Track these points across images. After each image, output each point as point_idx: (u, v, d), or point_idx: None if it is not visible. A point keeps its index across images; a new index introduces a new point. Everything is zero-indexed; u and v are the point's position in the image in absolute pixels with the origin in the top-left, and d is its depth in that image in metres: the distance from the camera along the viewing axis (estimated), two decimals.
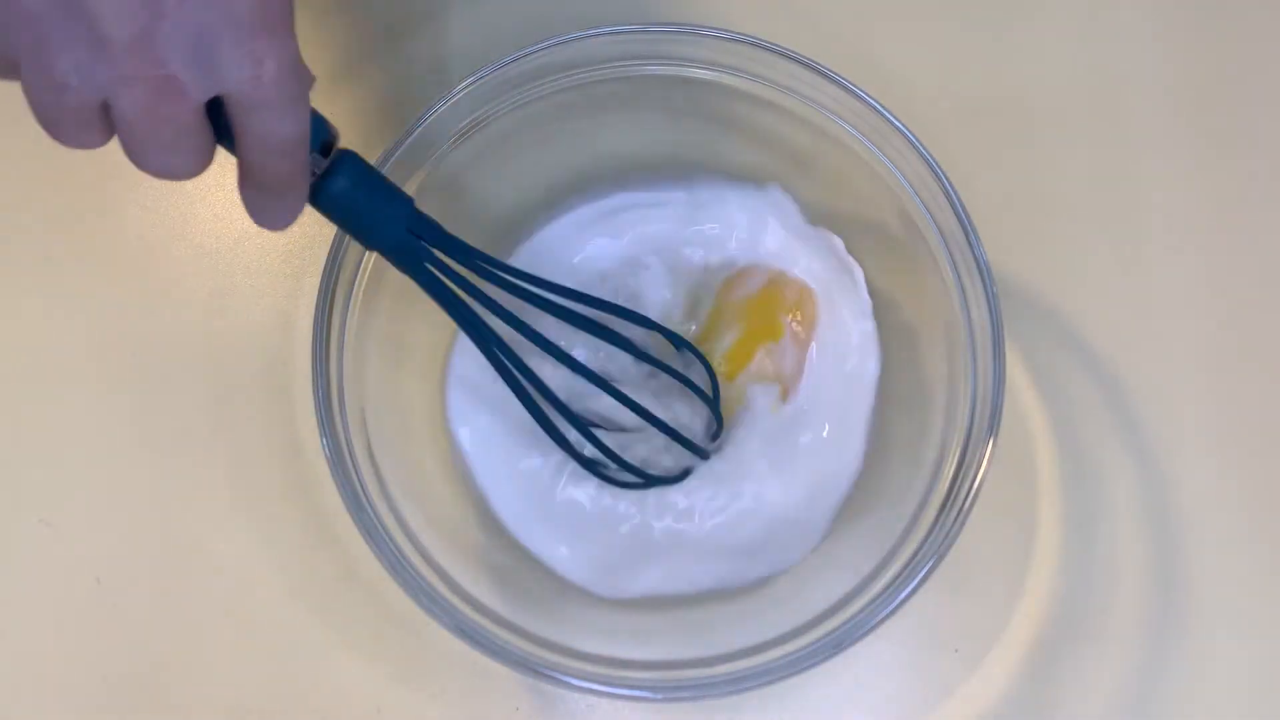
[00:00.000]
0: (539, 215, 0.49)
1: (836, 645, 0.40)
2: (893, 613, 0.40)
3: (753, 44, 0.44)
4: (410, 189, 0.45)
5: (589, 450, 0.44)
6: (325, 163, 0.36)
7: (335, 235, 0.43)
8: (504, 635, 0.42)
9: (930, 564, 0.40)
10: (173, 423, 0.50)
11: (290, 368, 0.50)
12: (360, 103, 0.52)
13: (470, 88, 0.44)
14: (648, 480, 0.45)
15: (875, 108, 0.43)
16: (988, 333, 0.42)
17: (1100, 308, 0.51)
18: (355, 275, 0.45)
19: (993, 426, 0.41)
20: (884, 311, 0.48)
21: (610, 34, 0.44)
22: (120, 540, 0.49)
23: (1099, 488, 0.49)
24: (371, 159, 0.43)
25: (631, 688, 0.41)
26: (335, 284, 0.43)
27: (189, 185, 0.53)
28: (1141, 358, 0.50)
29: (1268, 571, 0.49)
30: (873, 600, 0.41)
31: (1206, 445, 0.50)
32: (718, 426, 0.46)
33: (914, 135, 0.43)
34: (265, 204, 0.35)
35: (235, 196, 0.53)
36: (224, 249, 0.52)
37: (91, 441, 0.50)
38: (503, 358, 0.40)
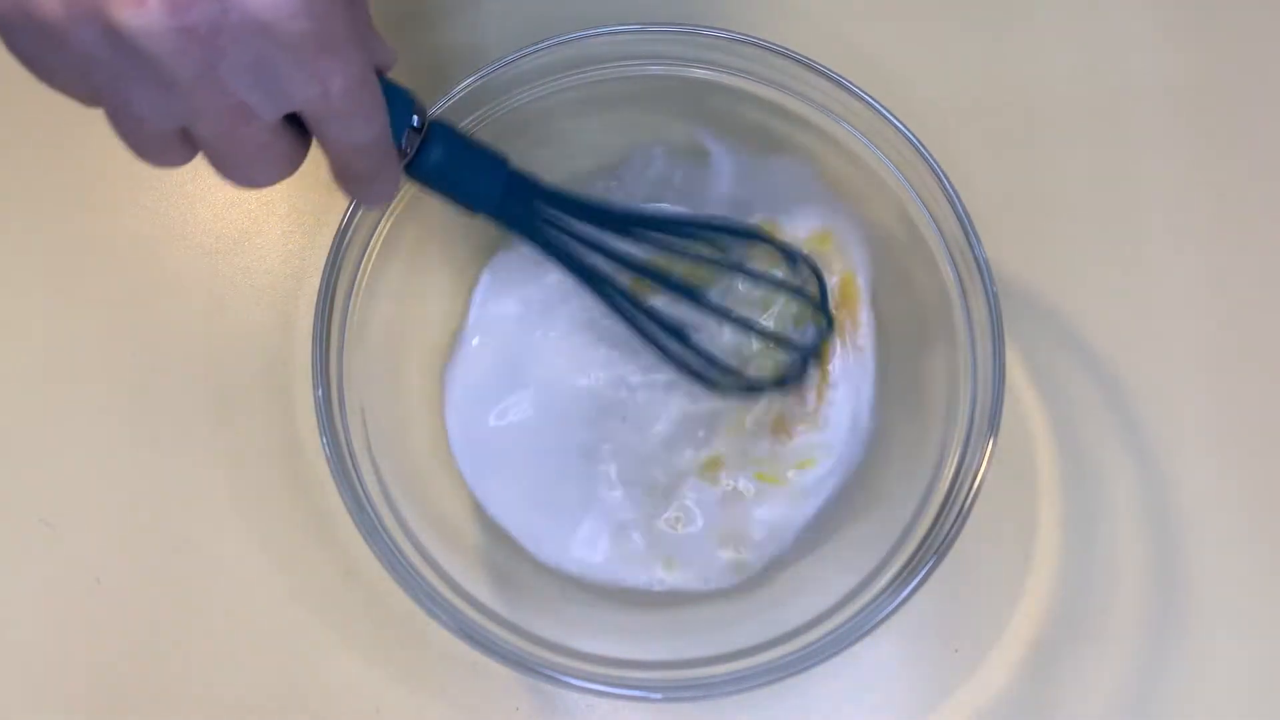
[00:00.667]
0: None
1: (836, 645, 0.40)
2: (893, 612, 0.40)
3: (753, 44, 0.44)
4: (409, 187, 0.45)
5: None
6: (418, 138, 0.36)
7: (335, 236, 0.43)
8: (504, 635, 0.42)
9: (930, 564, 0.40)
10: (173, 423, 0.50)
11: (290, 367, 0.50)
12: None
13: (470, 87, 0.44)
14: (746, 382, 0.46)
15: (876, 108, 0.43)
16: (988, 332, 0.42)
17: (1100, 307, 0.51)
18: (355, 275, 0.45)
19: (993, 426, 0.41)
20: (884, 311, 0.48)
21: (610, 34, 0.44)
22: (120, 540, 0.49)
23: (1099, 488, 0.49)
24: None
25: (631, 688, 0.41)
26: (335, 284, 0.43)
27: (189, 186, 0.53)
28: (1141, 357, 0.50)
29: (1267, 571, 0.49)
30: (873, 600, 0.41)
31: (1206, 445, 0.50)
32: (816, 342, 0.47)
33: (914, 135, 0.43)
34: (360, 190, 0.36)
35: (235, 196, 0.53)
36: (224, 249, 0.52)
37: (92, 441, 0.50)
38: (616, 298, 0.42)
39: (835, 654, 0.40)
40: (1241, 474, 0.49)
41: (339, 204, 0.44)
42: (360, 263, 0.45)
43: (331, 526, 0.48)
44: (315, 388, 0.42)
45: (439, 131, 0.37)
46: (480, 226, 0.50)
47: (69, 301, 0.52)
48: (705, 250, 0.45)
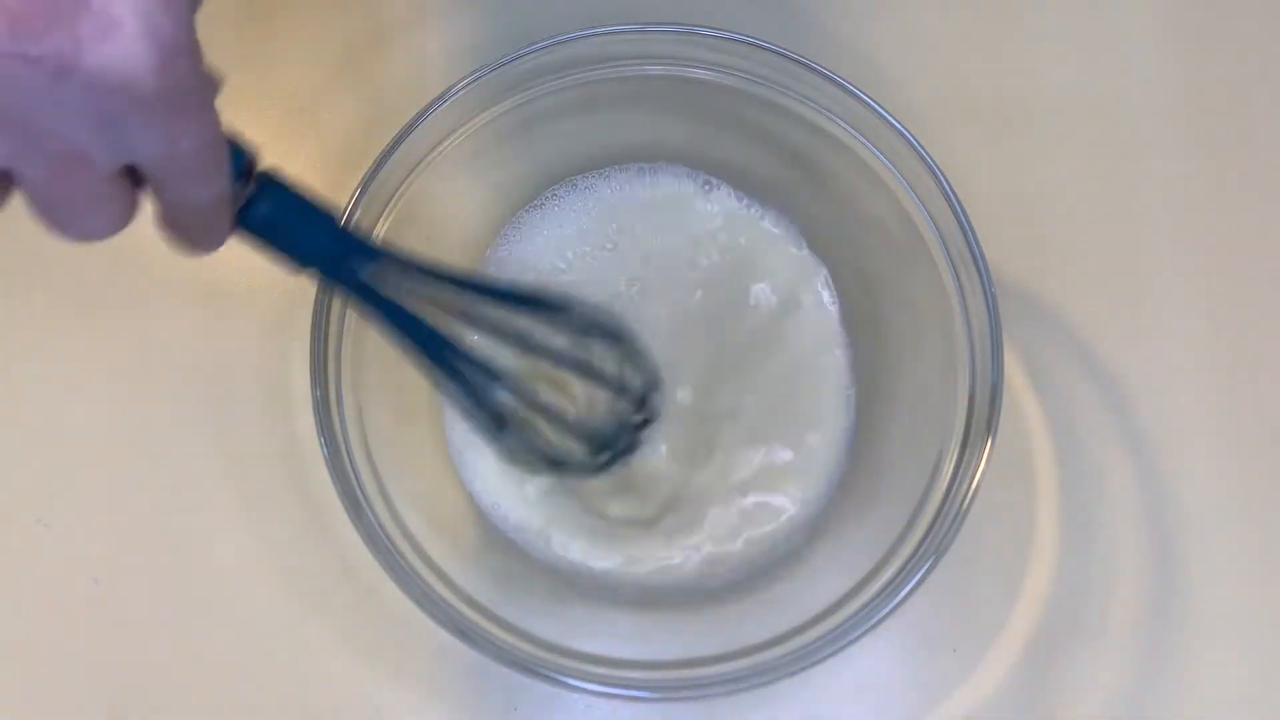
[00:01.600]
0: (531, 215, 0.49)
1: (835, 645, 0.40)
2: (891, 612, 0.40)
3: (752, 44, 0.44)
4: (407, 188, 0.45)
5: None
6: (246, 190, 0.35)
7: None
8: (502, 635, 0.42)
9: (929, 564, 0.40)
10: (170, 423, 0.50)
11: (288, 367, 0.50)
12: (358, 102, 0.52)
13: (469, 87, 0.44)
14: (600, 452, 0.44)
15: (874, 108, 0.43)
16: (986, 333, 0.42)
17: (1099, 307, 0.51)
18: None
19: (991, 426, 0.41)
20: (882, 311, 0.48)
21: (610, 34, 0.44)
22: (117, 541, 0.49)
23: (1097, 487, 0.49)
24: (368, 159, 0.43)
25: (630, 688, 0.41)
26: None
27: None
28: (1140, 357, 0.50)
29: (1265, 571, 0.49)
30: (871, 600, 0.41)
31: (1205, 445, 0.50)
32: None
33: (913, 136, 0.43)
34: (187, 243, 0.34)
35: None
36: (222, 249, 0.52)
37: (88, 442, 0.50)
38: (443, 362, 0.40)
39: (834, 654, 0.40)
40: (1240, 474, 0.49)
41: (338, 204, 0.44)
42: None
43: (330, 527, 0.48)
44: (314, 388, 0.42)
45: (269, 184, 0.36)
46: (476, 227, 0.50)
47: (66, 301, 0.52)
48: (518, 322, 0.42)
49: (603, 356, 0.43)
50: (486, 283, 0.41)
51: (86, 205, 0.30)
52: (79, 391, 0.51)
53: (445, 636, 0.41)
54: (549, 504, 0.48)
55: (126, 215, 0.31)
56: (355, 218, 0.43)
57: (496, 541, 0.47)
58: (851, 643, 0.40)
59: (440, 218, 0.48)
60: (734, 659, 0.42)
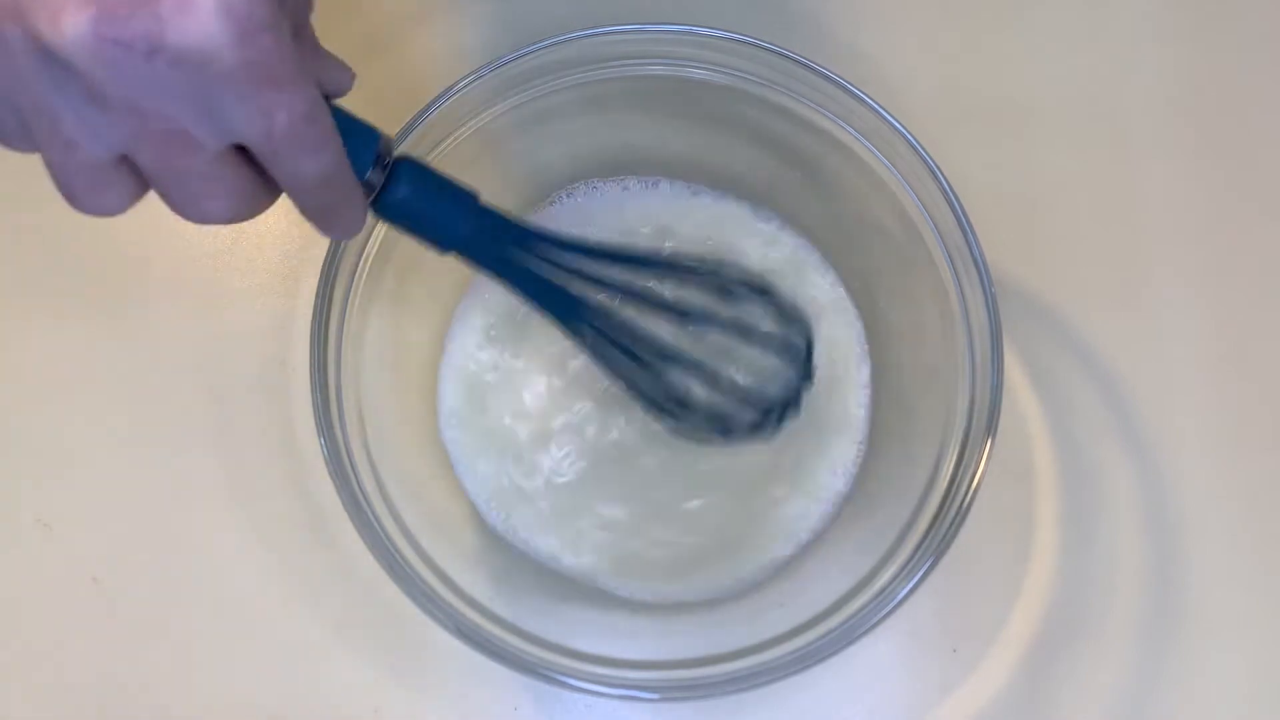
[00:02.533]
0: (533, 217, 0.49)
1: (835, 645, 0.40)
2: (891, 612, 0.40)
3: (752, 44, 0.44)
4: None
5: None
6: (383, 174, 0.35)
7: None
8: (502, 635, 0.42)
9: (928, 564, 0.40)
10: (170, 423, 0.50)
11: (288, 368, 0.50)
12: (358, 102, 0.52)
13: (468, 87, 0.44)
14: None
15: (874, 108, 0.43)
16: (986, 333, 0.42)
17: (1098, 307, 0.51)
18: (353, 275, 0.45)
19: (990, 426, 0.41)
20: (882, 311, 0.48)
21: (610, 34, 0.44)
22: (117, 540, 0.49)
23: (1097, 487, 0.49)
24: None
25: (630, 688, 0.41)
26: (333, 284, 0.43)
27: None
28: (1139, 357, 0.50)
29: (1266, 571, 0.49)
30: (871, 600, 0.41)
31: (1205, 445, 0.50)
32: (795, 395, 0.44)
33: (912, 136, 0.43)
34: (323, 224, 0.35)
35: None
36: (221, 249, 0.52)
37: (88, 441, 0.50)
38: (588, 333, 0.40)
39: (834, 654, 0.40)
40: (1240, 473, 0.49)
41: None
42: (358, 263, 0.45)
43: (329, 527, 0.48)
44: (313, 388, 0.42)
45: (406, 167, 0.36)
46: None
47: (65, 301, 0.52)
48: (690, 294, 0.43)
49: (758, 315, 0.43)
50: (637, 253, 0.40)
51: (201, 186, 0.30)
52: (79, 391, 0.51)
53: (444, 636, 0.41)
54: (550, 506, 0.48)
55: (246, 197, 0.32)
56: None
57: (496, 541, 0.47)
58: (851, 643, 0.40)
59: None
60: (734, 659, 0.42)
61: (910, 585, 0.40)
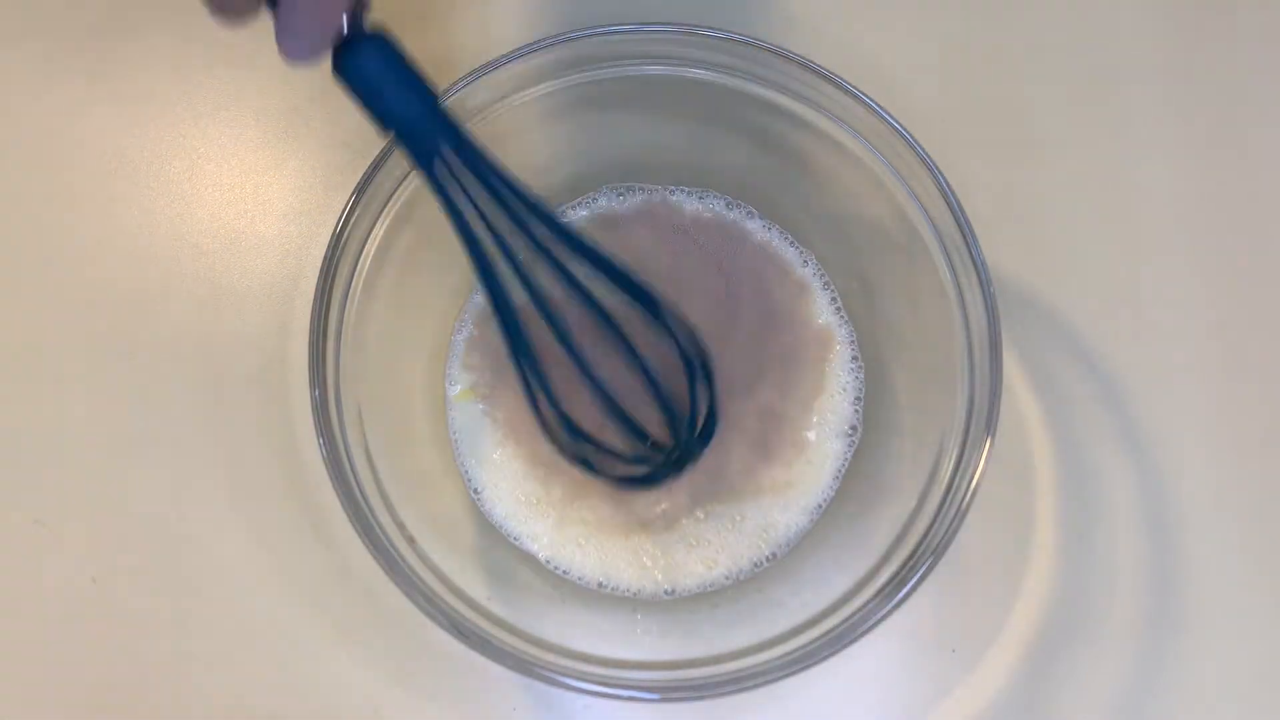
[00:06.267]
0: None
1: (834, 645, 0.40)
2: (890, 612, 0.40)
3: (752, 44, 0.44)
4: (405, 188, 0.45)
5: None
6: (352, 29, 0.36)
7: (331, 236, 0.43)
8: (501, 636, 0.42)
9: (928, 564, 0.40)
10: (169, 423, 0.50)
11: (287, 368, 0.50)
12: (349, 110, 0.52)
13: (467, 87, 0.44)
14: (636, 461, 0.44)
15: (873, 108, 0.43)
16: (985, 333, 0.42)
17: (1098, 308, 0.51)
18: (352, 276, 0.45)
19: (990, 426, 0.41)
20: (881, 311, 0.48)
21: (610, 34, 0.44)
22: (115, 540, 0.49)
23: (1096, 488, 0.49)
24: (367, 157, 0.43)
25: (629, 688, 0.41)
26: (332, 284, 0.43)
27: (186, 186, 0.53)
28: (1139, 357, 0.50)
29: (1265, 571, 0.49)
30: (870, 600, 0.41)
31: (1204, 445, 0.50)
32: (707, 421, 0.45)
33: (911, 136, 0.43)
34: (288, 33, 0.35)
35: (232, 196, 0.53)
36: (221, 250, 0.52)
37: (87, 441, 0.50)
38: (492, 286, 0.40)
39: (833, 654, 0.40)
40: (1239, 473, 0.49)
41: (335, 205, 0.44)
42: (357, 263, 0.45)
43: (328, 527, 0.48)
44: (312, 388, 0.42)
45: (377, 37, 0.37)
46: None
47: (65, 301, 0.52)
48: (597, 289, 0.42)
49: (653, 339, 0.43)
50: (554, 218, 0.40)
51: None
52: (78, 391, 0.51)
53: (443, 636, 0.41)
54: (552, 509, 0.48)
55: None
56: (355, 217, 0.43)
57: (495, 542, 0.47)
58: (851, 642, 0.40)
59: (439, 217, 0.48)
60: (734, 659, 0.42)
61: (910, 585, 0.40)
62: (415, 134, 0.38)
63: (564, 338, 0.41)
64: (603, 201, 0.51)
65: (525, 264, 0.40)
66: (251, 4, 0.33)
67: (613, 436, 0.44)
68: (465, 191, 0.39)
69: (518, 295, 0.41)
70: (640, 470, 0.45)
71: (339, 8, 0.35)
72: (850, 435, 0.49)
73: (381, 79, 0.37)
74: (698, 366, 0.44)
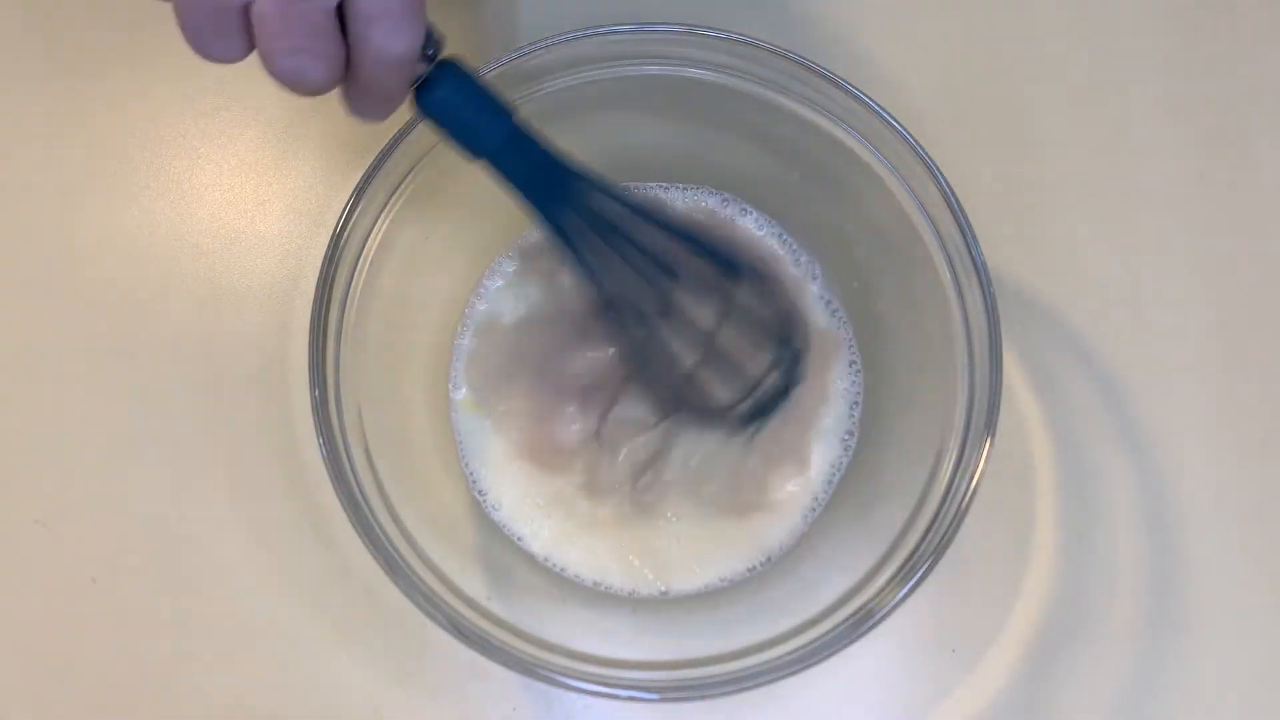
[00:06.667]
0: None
1: (834, 645, 0.40)
2: (890, 612, 0.40)
3: (752, 44, 0.44)
4: (407, 187, 0.45)
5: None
6: (427, 69, 0.36)
7: (332, 236, 0.43)
8: (501, 635, 0.42)
9: (928, 564, 0.40)
10: (169, 423, 0.50)
11: (287, 367, 0.50)
12: None
13: None
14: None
15: (873, 108, 0.43)
16: (985, 333, 0.42)
17: (1098, 308, 0.51)
18: (352, 275, 0.45)
19: (990, 426, 0.41)
20: (881, 312, 0.48)
21: (609, 34, 0.44)
22: (116, 541, 0.49)
23: (1096, 488, 0.49)
24: (369, 157, 0.43)
25: (629, 688, 0.41)
26: (332, 284, 0.43)
27: (186, 186, 0.53)
28: (1139, 358, 0.50)
29: (1265, 571, 0.49)
30: (870, 600, 0.41)
31: (1204, 445, 0.50)
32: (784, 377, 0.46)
33: (911, 136, 0.43)
34: (365, 106, 0.36)
35: (232, 196, 0.53)
36: (221, 249, 0.52)
37: (87, 441, 0.50)
38: (593, 279, 0.41)
39: (832, 654, 0.40)
40: (1239, 474, 0.49)
41: (336, 204, 0.44)
42: (357, 263, 0.45)
43: (328, 526, 0.48)
44: (312, 388, 0.42)
45: (450, 67, 0.37)
46: (479, 228, 0.50)
47: (65, 301, 0.52)
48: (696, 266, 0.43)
49: (755, 308, 0.44)
50: (665, 216, 0.41)
51: (309, 40, 0.32)
52: (78, 391, 0.51)
53: (443, 636, 0.41)
54: (554, 511, 0.48)
55: (335, 65, 0.33)
56: (354, 217, 0.43)
57: (496, 541, 0.47)
58: (851, 642, 0.40)
59: (438, 218, 0.48)
60: (734, 659, 0.42)
61: (909, 585, 0.40)
62: (503, 158, 0.39)
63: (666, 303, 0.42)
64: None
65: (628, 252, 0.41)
66: (235, 45, 0.33)
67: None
68: (569, 205, 0.40)
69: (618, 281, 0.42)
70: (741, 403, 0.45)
71: (405, 74, 0.35)
72: (847, 439, 0.49)
73: (460, 107, 0.38)
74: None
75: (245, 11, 0.32)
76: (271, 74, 0.33)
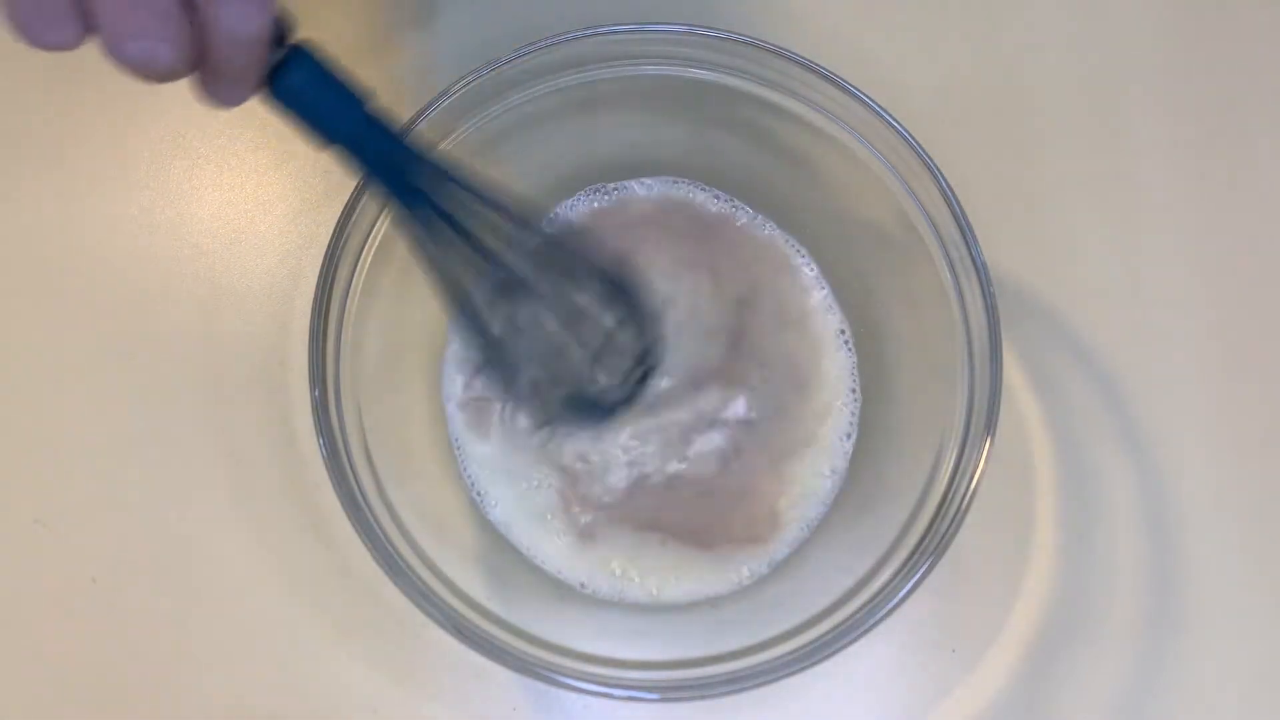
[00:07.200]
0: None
1: (834, 645, 0.40)
2: (890, 613, 0.40)
3: (751, 44, 0.44)
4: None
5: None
6: (280, 53, 0.35)
7: (331, 236, 0.43)
8: (501, 635, 0.42)
9: (927, 564, 0.40)
10: (169, 422, 0.50)
11: (287, 367, 0.50)
12: None
13: (466, 88, 0.44)
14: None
15: (873, 108, 0.43)
16: (985, 332, 0.42)
17: (1098, 307, 0.51)
18: (352, 275, 0.45)
19: (989, 426, 0.41)
20: (881, 312, 0.48)
21: (609, 34, 0.44)
22: (116, 540, 0.49)
23: (1096, 488, 0.49)
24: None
25: (629, 688, 0.41)
26: (332, 284, 0.43)
27: (185, 185, 0.53)
28: (1139, 357, 0.50)
29: (1265, 571, 0.49)
30: (870, 600, 0.41)
31: (1204, 445, 0.50)
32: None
33: (911, 135, 0.43)
34: (217, 90, 0.35)
35: (232, 196, 0.53)
36: (220, 249, 0.52)
37: (87, 441, 0.50)
38: (441, 278, 0.40)
39: (832, 654, 0.40)
40: (1239, 474, 0.49)
41: (335, 204, 0.44)
42: (357, 262, 0.45)
43: (328, 526, 0.48)
44: (312, 387, 0.42)
45: (303, 53, 0.36)
46: None
47: (64, 301, 0.52)
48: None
49: (610, 307, 0.43)
50: (515, 210, 0.40)
51: (150, 23, 0.30)
52: (78, 391, 0.51)
53: (443, 636, 0.41)
54: (553, 514, 0.48)
55: (184, 49, 0.31)
56: (354, 217, 0.43)
57: (496, 541, 0.47)
58: (851, 643, 0.40)
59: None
60: (734, 659, 0.42)
61: (909, 585, 0.40)
62: (357, 145, 0.37)
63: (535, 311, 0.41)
64: (600, 202, 0.51)
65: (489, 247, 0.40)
66: (70, 31, 0.31)
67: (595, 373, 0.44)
68: (421, 194, 0.38)
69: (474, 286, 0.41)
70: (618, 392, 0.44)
71: (256, 57, 0.34)
72: (845, 441, 0.49)
73: (314, 94, 0.36)
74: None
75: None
76: (116, 60, 0.31)
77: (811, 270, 0.50)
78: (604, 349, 0.44)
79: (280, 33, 0.35)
